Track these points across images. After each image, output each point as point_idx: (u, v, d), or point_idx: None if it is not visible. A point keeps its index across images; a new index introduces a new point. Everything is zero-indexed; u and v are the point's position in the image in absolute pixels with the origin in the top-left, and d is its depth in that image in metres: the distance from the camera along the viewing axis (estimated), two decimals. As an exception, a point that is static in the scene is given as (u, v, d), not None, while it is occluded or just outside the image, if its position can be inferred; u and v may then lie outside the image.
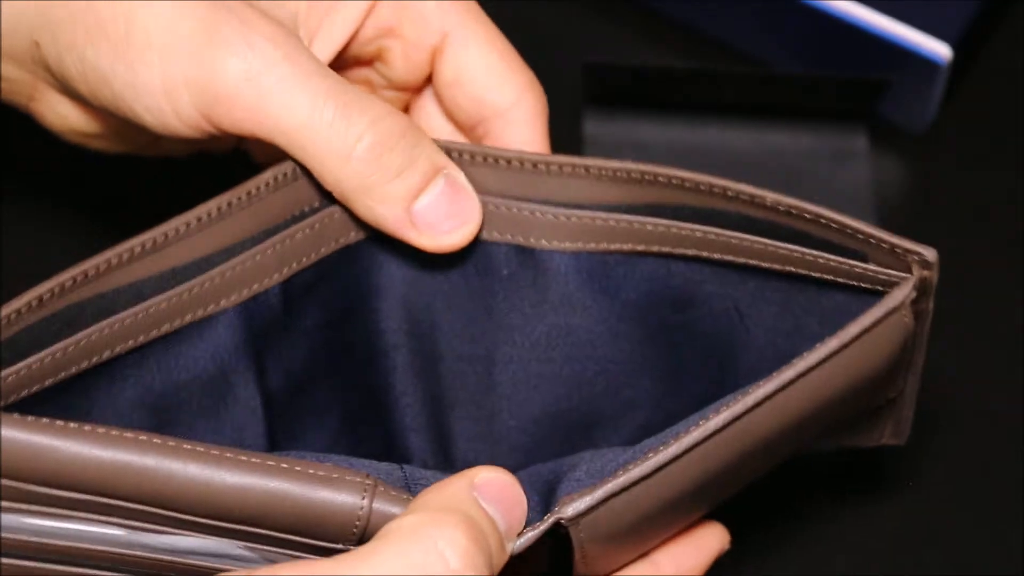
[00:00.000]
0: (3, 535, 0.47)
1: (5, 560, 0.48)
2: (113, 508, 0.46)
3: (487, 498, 0.47)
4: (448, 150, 0.53)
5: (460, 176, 0.53)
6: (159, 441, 0.46)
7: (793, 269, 0.51)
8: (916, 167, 0.73)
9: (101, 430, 0.45)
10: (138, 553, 0.48)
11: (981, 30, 0.73)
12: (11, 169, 0.71)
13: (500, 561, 0.47)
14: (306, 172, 0.52)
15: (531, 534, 0.48)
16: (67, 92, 0.54)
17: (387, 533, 0.45)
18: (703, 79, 0.72)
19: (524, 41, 0.75)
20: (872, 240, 0.50)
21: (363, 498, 0.46)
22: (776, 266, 0.51)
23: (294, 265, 0.53)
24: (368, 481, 0.46)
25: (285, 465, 0.46)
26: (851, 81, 0.71)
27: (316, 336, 0.55)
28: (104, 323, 0.50)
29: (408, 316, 0.56)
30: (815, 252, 0.50)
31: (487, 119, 0.55)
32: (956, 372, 0.67)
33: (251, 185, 0.52)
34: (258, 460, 0.46)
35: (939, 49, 0.70)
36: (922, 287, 0.50)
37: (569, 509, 0.48)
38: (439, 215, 0.52)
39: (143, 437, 0.46)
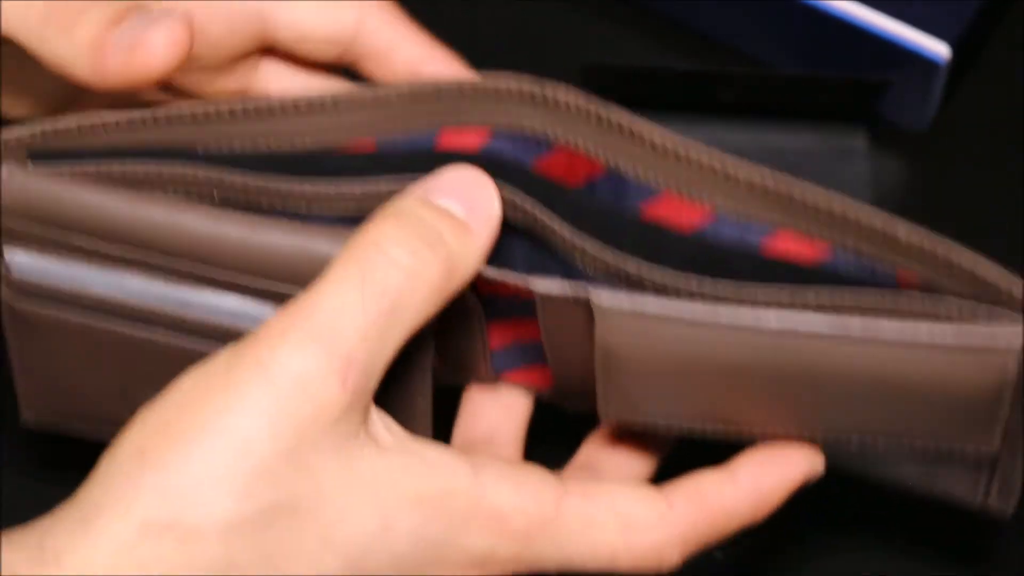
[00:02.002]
0: (37, 281, 0.51)
1: (42, 310, 0.51)
2: (149, 261, 0.49)
3: (441, 193, 0.48)
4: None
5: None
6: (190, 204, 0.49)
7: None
8: (916, 167, 0.73)
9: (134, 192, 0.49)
10: (173, 310, 0.50)
11: (981, 30, 0.73)
12: None
13: (468, 248, 0.48)
14: None
15: (554, 285, 0.48)
16: None
17: (337, 257, 0.47)
18: (703, 79, 0.72)
19: (524, 41, 0.76)
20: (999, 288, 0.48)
21: None
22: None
23: None
24: None
25: (312, 226, 0.49)
26: (851, 81, 0.71)
27: None
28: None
29: None
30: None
31: (347, 52, 0.55)
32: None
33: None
34: (296, 223, 0.49)
35: (939, 49, 0.70)
36: None
37: (605, 298, 0.47)
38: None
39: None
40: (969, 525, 0.64)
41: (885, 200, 0.72)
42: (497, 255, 0.51)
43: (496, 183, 0.50)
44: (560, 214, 0.51)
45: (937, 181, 0.73)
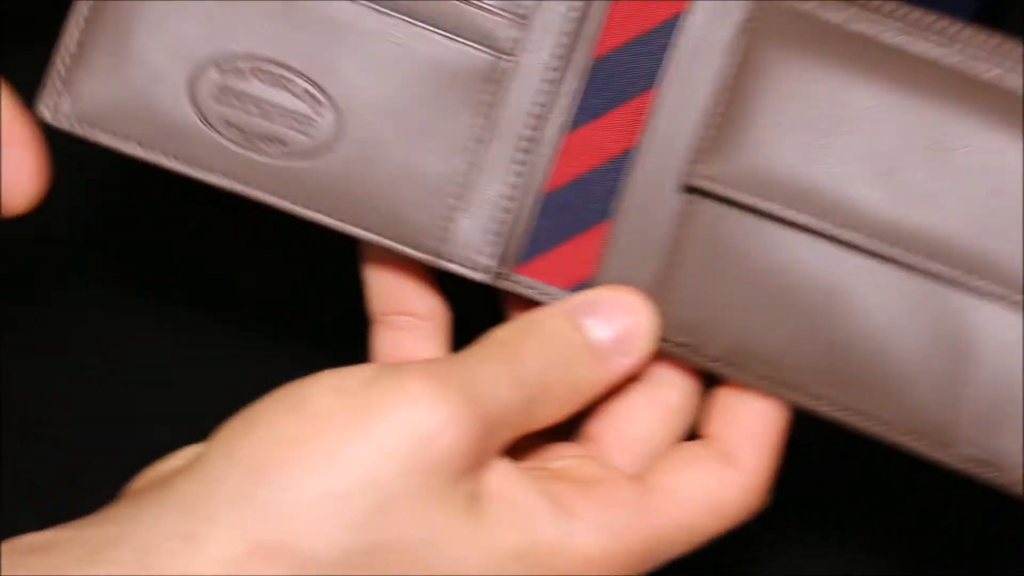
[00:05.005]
0: None
1: None
2: None
3: (592, 315, 0.49)
4: None
5: None
6: None
7: None
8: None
9: None
10: None
11: (981, 30, 0.73)
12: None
13: (592, 379, 0.49)
14: None
15: None
16: None
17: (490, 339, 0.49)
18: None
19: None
20: None
21: None
22: None
23: None
24: None
25: None
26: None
27: None
28: None
29: None
30: None
31: None
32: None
33: None
34: None
35: (939, 49, 0.70)
36: None
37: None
38: None
39: None
40: (971, 528, 0.64)
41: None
42: None
43: None
44: None
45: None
